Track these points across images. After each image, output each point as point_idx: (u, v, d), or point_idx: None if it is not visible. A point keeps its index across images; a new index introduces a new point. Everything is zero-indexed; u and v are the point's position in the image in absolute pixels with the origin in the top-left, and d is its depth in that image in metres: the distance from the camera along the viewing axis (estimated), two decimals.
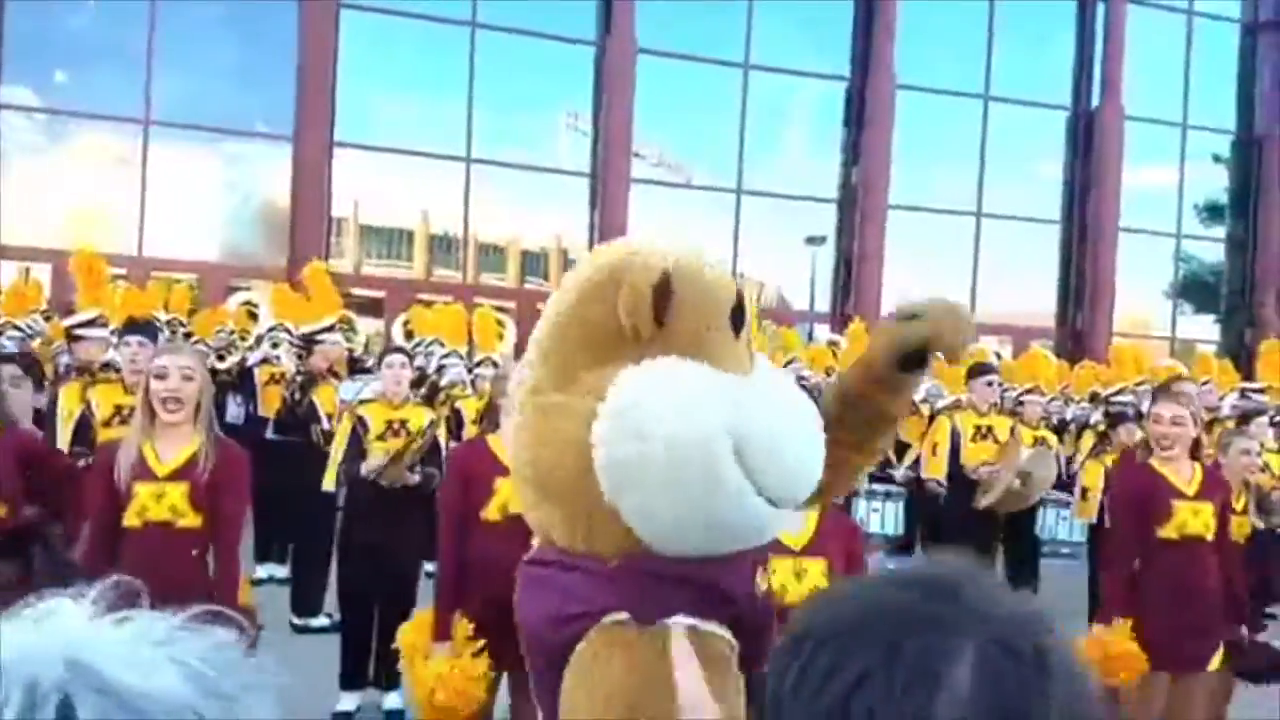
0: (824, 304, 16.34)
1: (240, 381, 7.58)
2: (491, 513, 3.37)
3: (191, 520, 3.19)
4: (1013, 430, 6.80)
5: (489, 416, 3.74)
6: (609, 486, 1.27)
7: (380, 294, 13.99)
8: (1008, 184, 16.84)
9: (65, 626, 0.52)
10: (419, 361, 7.32)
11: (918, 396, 8.62)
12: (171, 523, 3.17)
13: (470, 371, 7.46)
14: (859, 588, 0.73)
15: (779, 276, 17.06)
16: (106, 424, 4.76)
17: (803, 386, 5.57)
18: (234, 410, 7.42)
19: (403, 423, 5.00)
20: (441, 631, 3.37)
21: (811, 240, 16.02)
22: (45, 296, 9.03)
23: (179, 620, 0.55)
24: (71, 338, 5.43)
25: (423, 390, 6.77)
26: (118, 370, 5.41)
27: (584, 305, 1.38)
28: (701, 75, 15.53)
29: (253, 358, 7.70)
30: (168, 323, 8.49)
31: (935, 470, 6.81)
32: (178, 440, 3.22)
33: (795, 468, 1.33)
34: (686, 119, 15.68)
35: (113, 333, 5.76)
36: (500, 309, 11.46)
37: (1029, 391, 7.83)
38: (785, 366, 9.12)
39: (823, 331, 14.65)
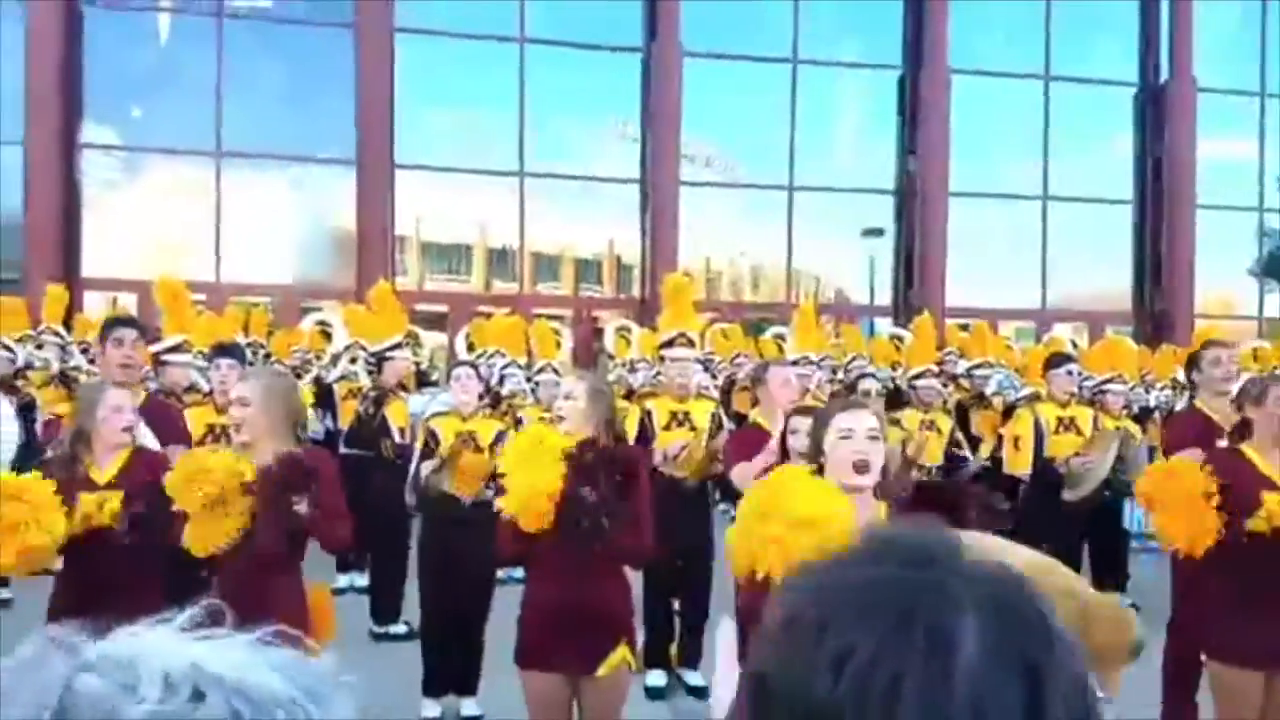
0: (885, 297, 16.19)
1: (321, 398, 7.84)
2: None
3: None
4: (1095, 421, 6.67)
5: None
6: None
7: (443, 308, 14.32)
8: (1074, 165, 16.46)
9: (178, 635, 0.62)
10: (483, 372, 7.48)
11: (989, 389, 8.50)
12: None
13: (530, 380, 7.58)
14: (833, 568, 0.70)
15: (837, 271, 16.96)
16: (200, 443, 4.98)
17: (870, 376, 5.52)
18: (316, 425, 7.67)
19: (472, 434, 5.15)
20: None
21: (869, 233, 15.89)
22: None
23: (260, 635, 0.64)
24: (158, 363, 5.70)
25: (485, 400, 6.92)
26: (201, 392, 5.68)
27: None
28: (748, 74, 15.54)
29: (332, 375, 7.98)
30: (248, 345, 8.84)
31: (1019, 465, 6.66)
32: (264, 457, 3.40)
33: None
34: (735, 119, 15.70)
35: (198, 356, 6.03)
36: (555, 317, 11.69)
37: (1109, 380, 7.60)
38: (848, 364, 9.08)
39: (885, 325, 14.53)
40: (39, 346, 8.26)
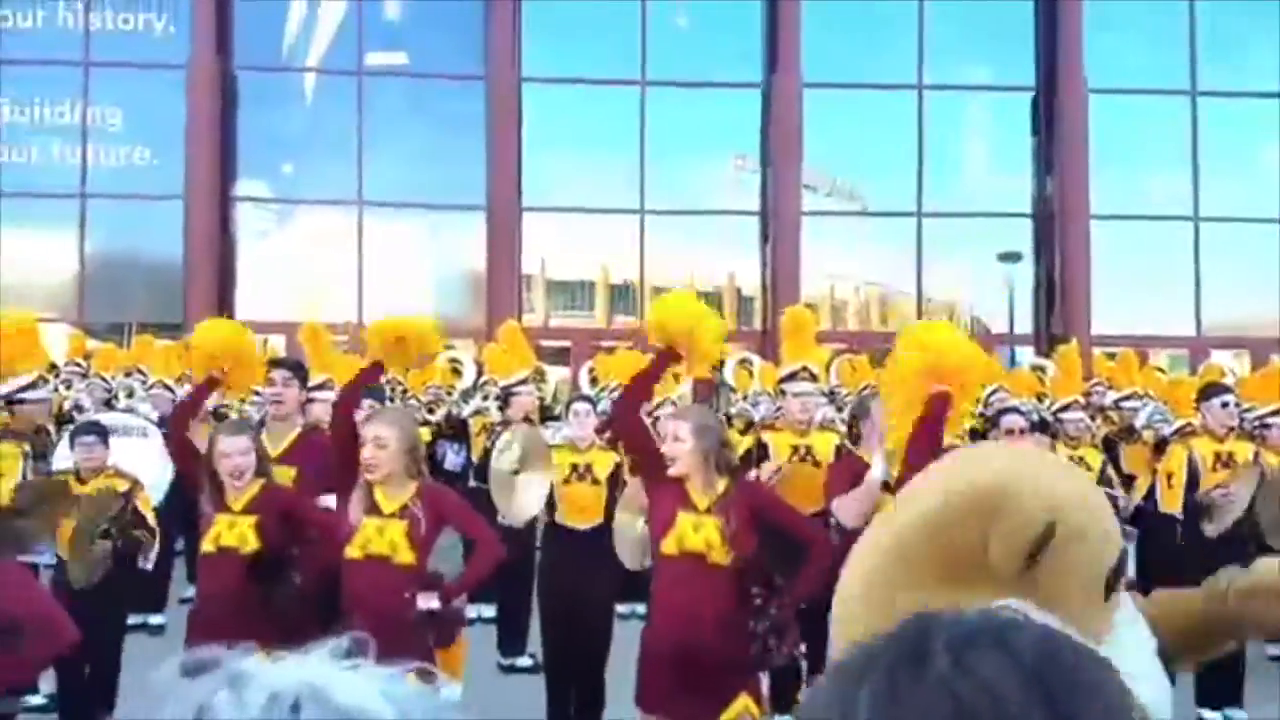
0: (1025, 325, 15.56)
1: (455, 432, 8.11)
2: (669, 546, 3.45)
3: (405, 557, 3.48)
4: (1256, 456, 6.21)
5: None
6: None
7: (566, 344, 14.57)
8: (1227, 183, 15.49)
9: (306, 662, 0.66)
10: (603, 406, 7.57)
11: (1139, 423, 8.01)
12: (389, 557, 3.48)
13: (650, 415, 7.60)
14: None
15: (972, 299, 16.42)
16: None
17: (1016, 411, 5.22)
18: (453, 459, 7.93)
19: (588, 466, 5.22)
20: None
21: (1006, 257, 15.35)
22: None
23: (396, 670, 0.67)
24: (307, 400, 6.02)
25: (607, 434, 6.99)
26: None
27: (945, 522, 1.25)
28: (872, 102, 15.35)
29: (467, 409, 8.24)
30: (388, 382, 9.23)
31: (1172, 503, 6.27)
32: (402, 485, 3.57)
33: None
34: (858, 147, 15.50)
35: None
36: None
37: (1275, 413, 7.05)
38: (989, 396, 8.71)
39: (1026, 355, 13.96)
40: None
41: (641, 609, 5.42)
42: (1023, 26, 15.50)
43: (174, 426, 4.55)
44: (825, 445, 5.39)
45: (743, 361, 10.04)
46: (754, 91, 15.20)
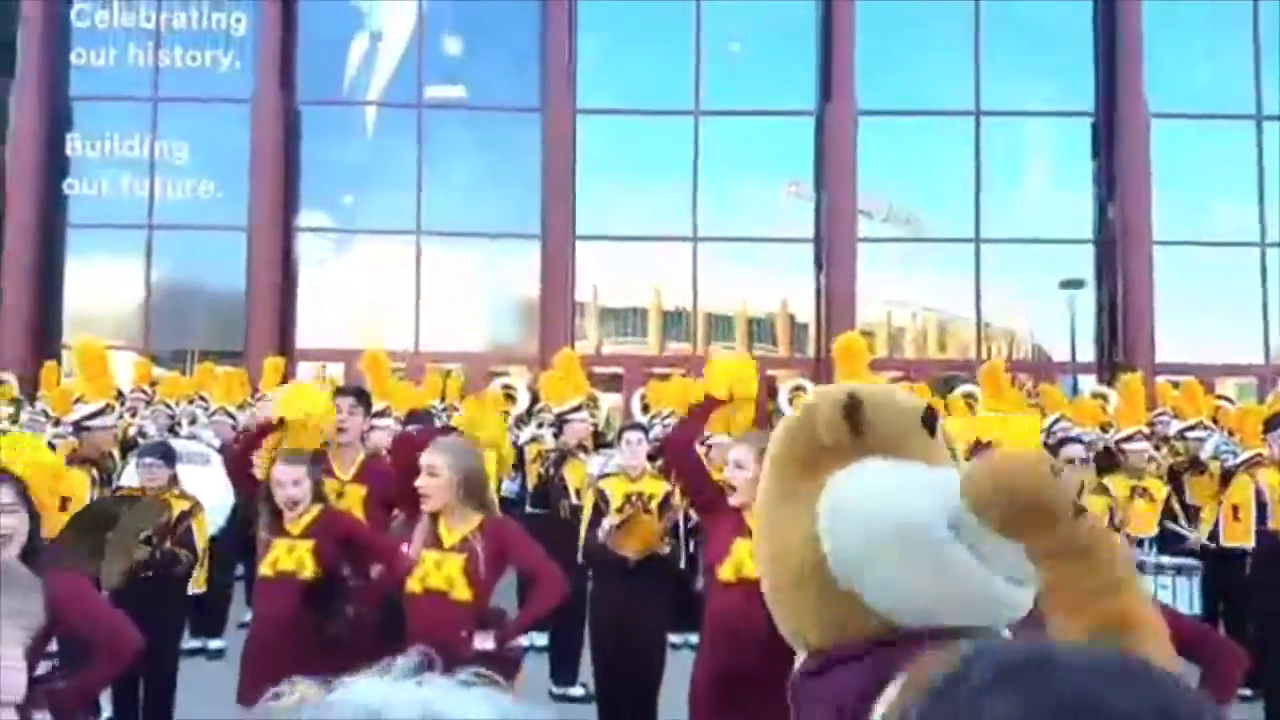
0: (1087, 353, 15.23)
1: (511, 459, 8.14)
2: (726, 573, 3.40)
3: (462, 593, 3.43)
4: None
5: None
6: (841, 574, 1.39)
7: (619, 370, 14.60)
8: None
9: (412, 685, 0.66)
10: (656, 433, 7.56)
11: (1205, 453, 7.76)
12: (445, 592, 3.44)
13: (703, 443, 7.55)
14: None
15: (1033, 326, 16.13)
16: None
17: (1075, 440, 5.14)
18: (508, 486, 7.96)
19: (640, 495, 5.20)
20: None
21: (1068, 284, 15.06)
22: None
23: (463, 676, 0.68)
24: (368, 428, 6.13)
25: (659, 462, 6.97)
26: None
27: (789, 439, 1.56)
28: (929, 129, 15.22)
29: (522, 436, 8.28)
30: (444, 410, 9.34)
31: (1238, 536, 6.08)
32: (466, 518, 3.53)
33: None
34: (914, 173, 15.36)
35: (398, 421, 6.47)
36: None
37: None
38: (1051, 425, 8.52)
39: (1088, 383, 13.65)
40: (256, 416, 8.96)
41: (694, 638, 5.38)
42: (1081, 50, 15.29)
43: (235, 456, 4.63)
44: None
45: (797, 388, 9.96)
46: (808, 119, 15.20)
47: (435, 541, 3.49)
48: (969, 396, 9.68)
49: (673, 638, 5.59)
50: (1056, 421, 8.50)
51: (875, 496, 1.40)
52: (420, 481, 3.51)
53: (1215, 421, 8.68)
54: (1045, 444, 8.00)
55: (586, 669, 5.87)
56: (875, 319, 15.38)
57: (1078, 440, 7.68)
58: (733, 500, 3.45)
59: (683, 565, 5.29)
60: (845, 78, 14.77)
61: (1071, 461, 5.92)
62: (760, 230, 15.36)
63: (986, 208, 15.12)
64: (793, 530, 1.45)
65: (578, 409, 7.36)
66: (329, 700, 0.63)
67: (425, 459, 3.55)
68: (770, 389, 13.78)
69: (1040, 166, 16.07)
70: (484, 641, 3.35)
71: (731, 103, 14.98)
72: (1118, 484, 6.37)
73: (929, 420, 1.51)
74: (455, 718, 0.63)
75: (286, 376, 11.28)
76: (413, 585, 3.46)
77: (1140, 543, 6.24)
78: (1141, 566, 6.12)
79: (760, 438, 4.13)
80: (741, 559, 3.37)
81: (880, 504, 1.39)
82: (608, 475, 5.47)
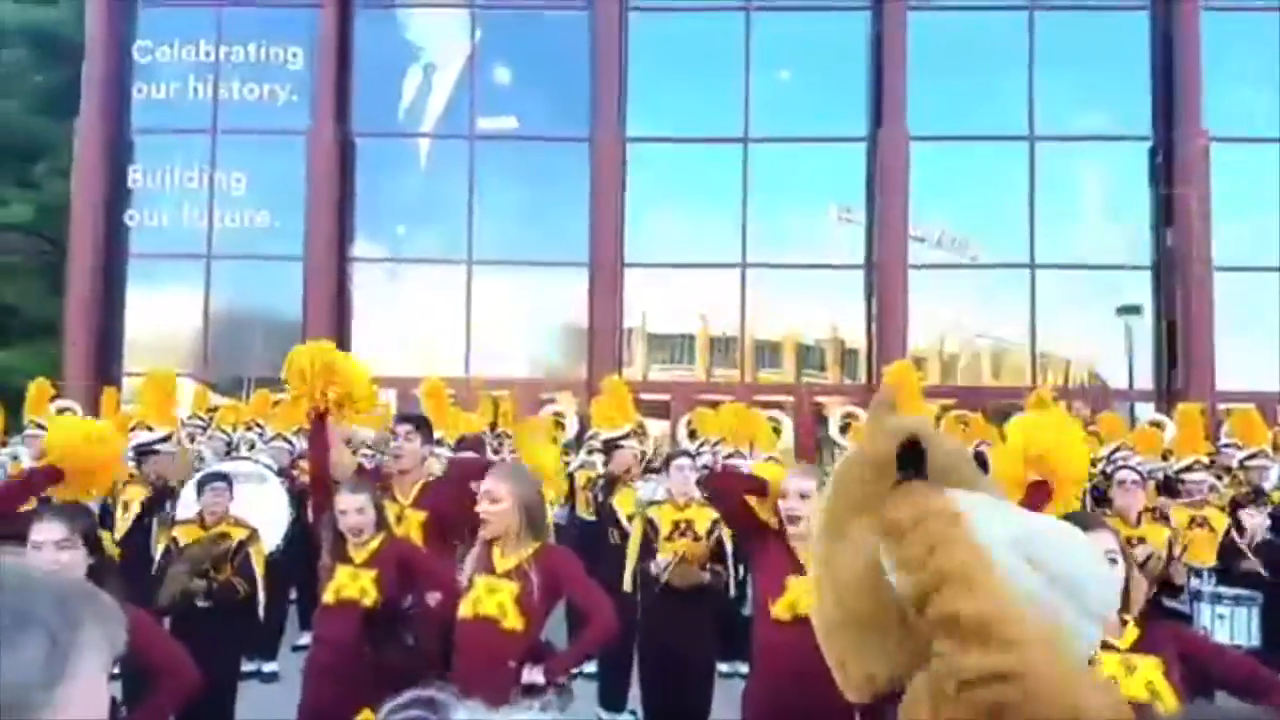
0: (1145, 380, 14.88)
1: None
2: (780, 610, 3.36)
3: (513, 622, 3.37)
4: None
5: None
6: (915, 598, 1.39)
7: (665, 397, 14.58)
8: None
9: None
10: (705, 460, 7.52)
11: (1269, 484, 7.53)
12: (497, 620, 3.38)
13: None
14: None
15: (1090, 353, 15.81)
16: None
17: (1131, 469, 4.99)
18: (557, 512, 7.95)
19: (689, 523, 5.16)
20: None
21: (1125, 310, 14.76)
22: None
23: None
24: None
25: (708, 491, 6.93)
26: None
27: (845, 479, 1.60)
28: (982, 153, 15.09)
29: (572, 463, 8.28)
30: (496, 435, 9.38)
31: None
32: (519, 546, 3.49)
33: (1079, 572, 1.42)
34: (968, 198, 15.22)
35: (448, 447, 6.51)
36: (777, 404, 11.60)
37: None
38: (1110, 454, 8.31)
39: (1146, 411, 13.33)
40: None
41: (743, 668, 5.31)
42: (1138, 74, 15.08)
43: (313, 485, 4.66)
44: None
45: (848, 416, 9.85)
46: (859, 144, 15.15)
47: (489, 567, 3.44)
48: None
49: (721, 666, 5.53)
50: (1116, 450, 8.30)
51: (944, 525, 1.40)
52: (481, 507, 3.46)
53: (1276, 449, 8.44)
54: (1104, 472, 7.84)
55: (635, 694, 5.82)
56: (927, 345, 15.21)
57: (1131, 469, 7.49)
58: (795, 530, 3.40)
59: (732, 593, 5.24)
60: (897, 103, 14.72)
61: (1122, 484, 5.78)
62: (810, 256, 15.30)
63: (1041, 233, 14.92)
64: (852, 569, 1.45)
65: (626, 436, 7.36)
66: None
67: (487, 485, 3.49)
68: (820, 416, 13.68)
69: (1096, 191, 15.81)
70: (533, 675, 3.30)
71: (781, 130, 14.99)
72: (1177, 514, 6.20)
73: (979, 452, 1.57)
74: None
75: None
76: (464, 610, 3.41)
77: (1199, 573, 6.05)
78: (1200, 596, 5.94)
79: (818, 471, 4.07)
80: (797, 596, 3.31)
81: (947, 533, 1.39)
82: (656, 503, 5.44)
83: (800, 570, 3.33)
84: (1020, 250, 14.96)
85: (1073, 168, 15.36)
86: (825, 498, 1.64)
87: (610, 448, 7.20)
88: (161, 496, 6.42)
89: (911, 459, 1.49)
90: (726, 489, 3.76)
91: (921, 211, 14.85)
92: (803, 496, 3.39)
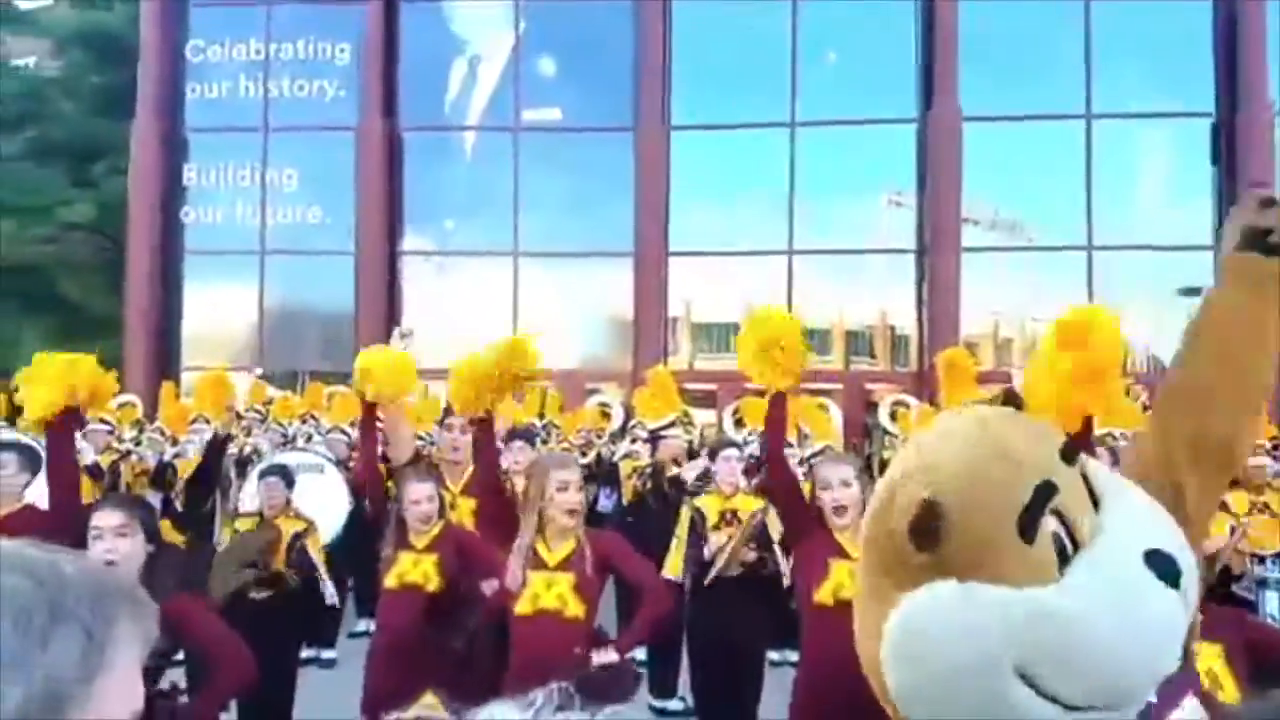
0: None
1: (605, 475, 8.17)
2: (824, 596, 3.32)
3: (575, 610, 3.42)
4: None
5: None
6: (901, 707, 1.28)
7: (711, 386, 14.50)
8: None
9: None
10: (752, 449, 7.46)
11: None
12: (559, 611, 3.42)
13: (802, 463, 7.41)
14: None
15: (1150, 336, 15.41)
16: None
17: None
18: (604, 501, 7.98)
19: (734, 512, 5.13)
20: None
21: (1187, 292, 14.33)
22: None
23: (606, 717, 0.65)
24: None
25: (755, 480, 6.86)
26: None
27: (873, 524, 1.35)
28: (1037, 133, 14.73)
29: (618, 452, 8.29)
30: (544, 426, 9.43)
31: None
32: (563, 538, 3.53)
33: (1098, 674, 1.20)
34: (1022, 180, 14.86)
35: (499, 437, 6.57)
36: (824, 392, 11.46)
37: None
38: None
39: None
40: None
41: (793, 655, 5.27)
42: (1200, 49, 14.61)
43: (365, 470, 4.78)
44: None
45: (898, 403, 9.72)
46: (909, 126, 14.91)
47: (539, 563, 3.49)
48: None
49: (772, 655, 5.49)
50: None
51: (928, 638, 1.22)
52: (571, 498, 3.48)
53: None
54: None
55: (684, 682, 5.80)
56: (980, 330, 14.93)
57: None
58: (842, 521, 3.37)
59: (785, 584, 5.18)
60: (949, 82, 14.44)
61: None
62: (859, 242, 15.10)
63: (1099, 214, 14.55)
64: (868, 632, 1.32)
65: (672, 425, 7.34)
66: None
67: (569, 476, 3.53)
68: (869, 403, 13.52)
69: (1156, 170, 15.37)
70: (606, 654, 3.34)
71: (829, 113, 14.78)
72: (1237, 499, 6.01)
73: (1029, 519, 1.23)
74: None
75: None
76: (522, 608, 3.42)
77: (1262, 559, 5.87)
78: (1265, 583, 5.77)
79: (846, 455, 4.04)
80: (840, 580, 3.27)
81: (932, 648, 1.21)
82: (703, 493, 5.42)
83: (843, 555, 3.30)
84: (1077, 232, 14.61)
85: (1131, 146, 14.94)
86: (863, 538, 1.42)
87: (656, 438, 7.18)
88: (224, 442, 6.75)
89: (926, 537, 1.24)
90: (779, 463, 3.75)
91: (974, 194, 14.58)
92: (845, 484, 3.37)
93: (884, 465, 7.83)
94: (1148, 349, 15.50)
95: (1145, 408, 10.22)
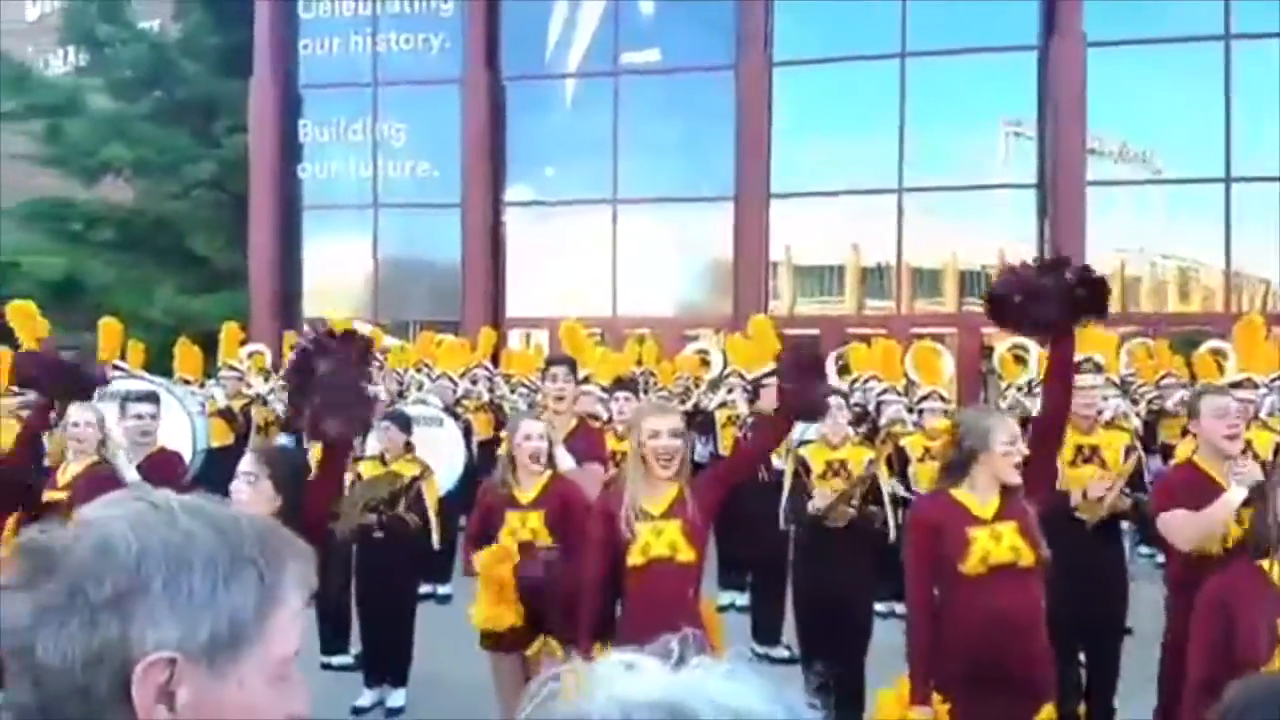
0: None
1: (703, 424, 8.14)
2: (972, 566, 3.20)
3: (686, 554, 3.49)
4: None
5: (947, 469, 3.42)
6: None
7: (814, 332, 14.22)
8: None
9: (657, 678, 0.65)
10: (857, 398, 7.29)
11: None
12: (671, 558, 3.48)
13: (911, 410, 7.18)
14: None
15: None
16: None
17: None
18: (700, 450, 7.96)
19: (842, 463, 5.04)
20: (919, 696, 3.20)
21: None
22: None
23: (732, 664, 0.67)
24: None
25: (862, 429, 6.70)
26: (600, 420, 6.21)
27: None
28: (1168, 57, 13.74)
29: (714, 401, 8.24)
30: (642, 374, 9.44)
31: None
32: (664, 486, 3.55)
33: None
34: (1152, 108, 13.90)
35: (602, 389, 6.64)
36: (937, 336, 11.06)
37: None
38: None
39: None
40: (474, 381, 9.43)
41: (899, 607, 5.18)
42: None
43: None
44: (1114, 444, 4.72)
45: (1015, 348, 9.30)
46: (1029, 53, 14.10)
47: (643, 515, 3.50)
48: (1217, 353, 8.74)
49: (879, 606, 5.42)
50: None
51: None
52: (665, 444, 3.48)
53: None
54: None
55: (789, 630, 5.79)
56: (1107, 269, 14.18)
57: None
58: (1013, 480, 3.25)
59: (891, 538, 5.07)
60: (1072, 6, 13.59)
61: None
62: (974, 178, 14.46)
63: (1238, 143, 13.55)
64: None
65: (772, 374, 7.21)
66: (623, 697, 0.62)
67: (664, 424, 3.55)
68: (984, 348, 13.04)
69: None
70: None
71: (942, 42, 14.05)
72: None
73: None
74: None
75: (499, 345, 11.85)
76: (634, 559, 3.46)
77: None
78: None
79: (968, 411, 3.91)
80: (986, 548, 3.18)
81: None
82: (808, 442, 5.32)
83: (975, 520, 3.22)
84: (1213, 163, 13.65)
85: (1273, 69, 13.78)
86: None
87: (756, 386, 7.08)
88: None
89: None
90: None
91: (1099, 123, 13.75)
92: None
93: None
94: None
95: None
